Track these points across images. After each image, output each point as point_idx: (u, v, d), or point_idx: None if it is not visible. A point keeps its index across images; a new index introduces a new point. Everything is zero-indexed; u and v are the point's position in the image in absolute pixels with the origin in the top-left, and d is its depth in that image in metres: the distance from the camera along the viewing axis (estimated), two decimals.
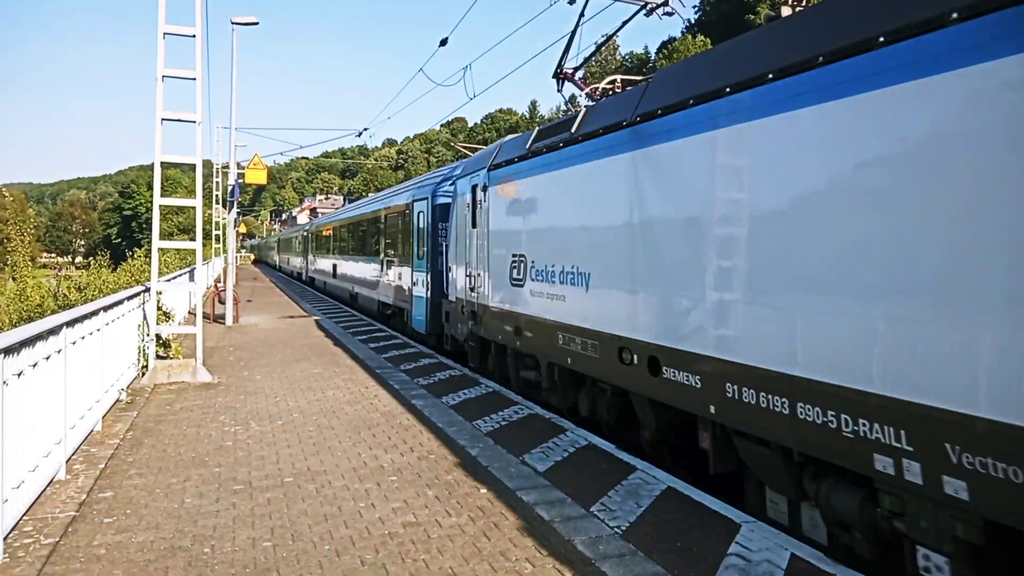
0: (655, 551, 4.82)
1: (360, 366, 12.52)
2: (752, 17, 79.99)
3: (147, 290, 11.50)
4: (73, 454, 6.91)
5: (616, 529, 5.21)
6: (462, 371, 12.02)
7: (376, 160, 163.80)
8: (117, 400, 9.34)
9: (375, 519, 5.40)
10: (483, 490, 6.09)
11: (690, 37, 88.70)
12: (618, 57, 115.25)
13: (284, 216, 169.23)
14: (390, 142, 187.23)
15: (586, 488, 6.11)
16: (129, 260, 25.84)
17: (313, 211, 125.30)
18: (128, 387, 10.04)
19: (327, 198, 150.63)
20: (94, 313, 8.06)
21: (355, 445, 7.48)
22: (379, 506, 5.68)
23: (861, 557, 4.91)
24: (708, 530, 5.20)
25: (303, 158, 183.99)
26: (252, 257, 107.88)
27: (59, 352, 6.47)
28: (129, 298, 10.38)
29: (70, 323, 6.86)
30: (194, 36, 11.24)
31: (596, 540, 5.00)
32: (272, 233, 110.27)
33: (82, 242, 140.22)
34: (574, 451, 7.28)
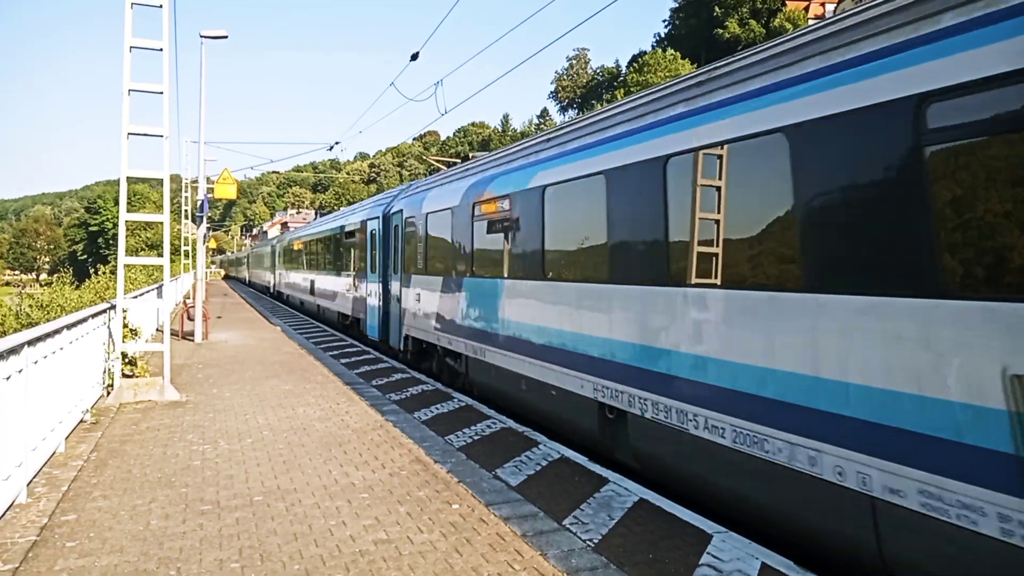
0: (627, 563, 4.83)
1: (331, 382, 12.40)
2: (720, 31, 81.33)
3: (112, 307, 11.30)
4: (35, 477, 6.73)
5: (588, 542, 5.21)
6: (435, 386, 11.96)
7: (348, 174, 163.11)
8: (81, 420, 9.13)
9: (346, 537, 5.34)
10: (455, 506, 6.06)
11: (660, 51, 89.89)
12: (589, 71, 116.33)
13: (255, 231, 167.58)
14: (362, 156, 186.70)
15: (559, 501, 6.11)
16: (94, 277, 25.36)
17: (284, 225, 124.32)
18: (93, 407, 9.83)
19: (299, 212, 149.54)
20: (57, 332, 7.89)
21: (326, 462, 7.40)
22: (350, 524, 5.62)
23: (832, 565, 4.96)
24: (680, 540, 5.23)
25: (274, 172, 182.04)
26: (223, 273, 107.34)
27: (20, 372, 6.32)
28: (94, 316, 10.19)
29: (31, 342, 6.71)
30: (161, 50, 11.13)
31: (568, 554, 4.99)
32: (241, 249, 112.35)
33: (47, 259, 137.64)
34: (547, 464, 7.28)
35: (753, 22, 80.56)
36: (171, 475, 6.97)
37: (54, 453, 7.56)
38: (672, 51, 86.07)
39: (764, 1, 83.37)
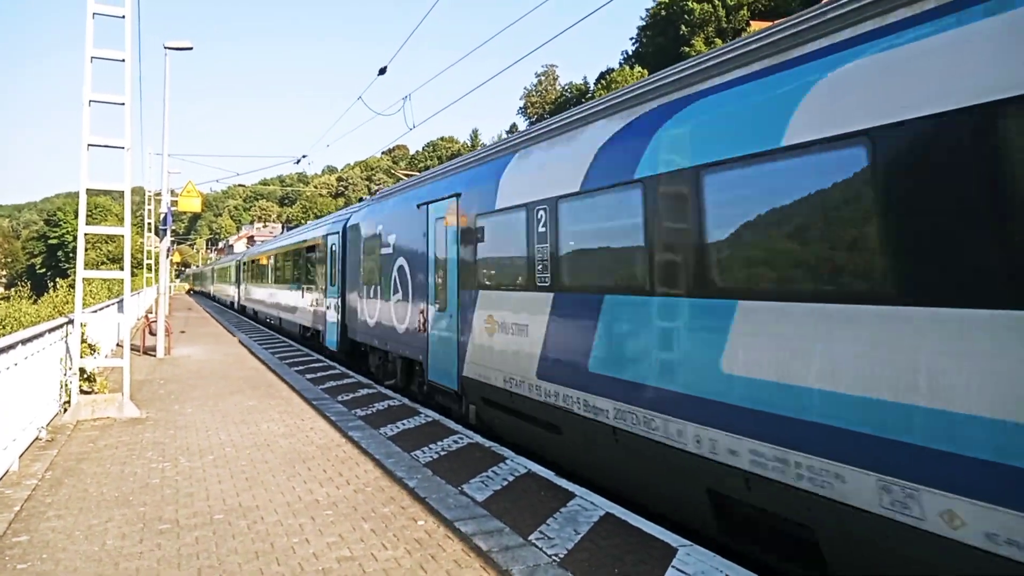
0: None
1: (296, 398, 12.24)
2: (687, 49, 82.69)
3: (71, 322, 11.04)
4: None
5: (554, 557, 5.19)
6: (401, 401, 11.88)
7: (316, 187, 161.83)
8: (36, 438, 8.89)
9: (309, 555, 5.26)
10: (420, 522, 6.00)
11: (627, 68, 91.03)
12: (557, 87, 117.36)
13: (221, 244, 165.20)
14: (330, 169, 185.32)
15: (525, 517, 6.09)
16: (53, 291, 24.76)
17: (251, 239, 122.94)
18: (48, 424, 9.58)
19: (265, 226, 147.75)
20: (11, 347, 7.70)
21: (289, 479, 7.29)
22: (313, 541, 5.54)
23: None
24: (645, 554, 5.24)
25: (240, 185, 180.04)
26: (187, 287, 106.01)
27: None
28: (51, 330, 9.95)
29: None
30: (123, 60, 10.98)
31: (534, 569, 4.97)
32: (207, 263, 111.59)
33: (4, 272, 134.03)
34: (513, 479, 7.25)
35: (719, 41, 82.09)
36: (129, 494, 6.81)
37: (7, 472, 7.34)
38: (639, 68, 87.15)
39: (730, 21, 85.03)
